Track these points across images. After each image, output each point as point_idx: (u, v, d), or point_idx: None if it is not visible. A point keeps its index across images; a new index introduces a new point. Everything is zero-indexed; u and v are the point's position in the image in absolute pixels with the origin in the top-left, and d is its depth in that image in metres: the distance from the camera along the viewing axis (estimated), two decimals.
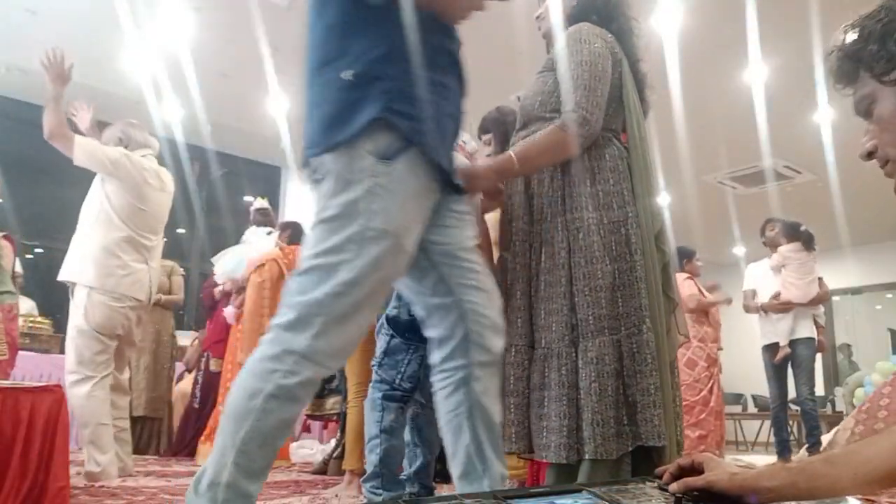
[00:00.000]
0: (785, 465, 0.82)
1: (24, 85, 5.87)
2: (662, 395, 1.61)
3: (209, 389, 4.74)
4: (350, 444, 2.89)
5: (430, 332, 1.51)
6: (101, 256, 3.12)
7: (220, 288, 4.80)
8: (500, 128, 2.54)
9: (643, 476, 1.07)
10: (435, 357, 1.49)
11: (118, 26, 4.59)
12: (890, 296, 11.05)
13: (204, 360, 4.86)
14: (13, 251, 4.07)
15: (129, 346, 3.38)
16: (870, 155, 0.90)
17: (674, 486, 0.90)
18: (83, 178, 3.33)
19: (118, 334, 3.18)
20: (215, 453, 1.27)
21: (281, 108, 5.88)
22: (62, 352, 5.57)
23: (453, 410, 1.45)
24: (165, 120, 5.77)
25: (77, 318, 3.10)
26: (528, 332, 1.75)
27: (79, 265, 3.14)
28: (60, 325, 6.19)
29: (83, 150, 3.12)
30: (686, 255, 5.38)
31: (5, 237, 4.00)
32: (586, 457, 1.59)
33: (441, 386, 1.47)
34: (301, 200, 7.79)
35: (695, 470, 0.93)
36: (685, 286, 5.14)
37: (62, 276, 3.18)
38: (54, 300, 5.48)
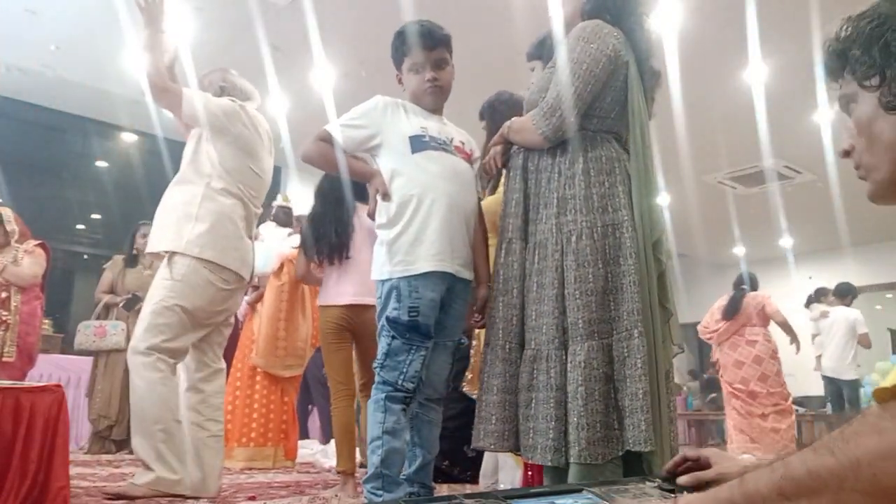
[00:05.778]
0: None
1: (24, 85, 5.87)
2: (651, 402, 1.60)
3: None
4: (337, 446, 2.88)
5: None
6: (214, 225, 2.59)
7: None
8: (493, 116, 2.57)
9: (644, 476, 1.06)
10: None
11: (118, 26, 4.58)
12: (890, 296, 11.05)
13: None
14: (47, 259, 4.10)
15: (227, 327, 2.83)
16: (846, 153, 0.88)
17: (684, 479, 0.90)
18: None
19: (215, 321, 2.67)
20: None
21: (281, 108, 5.87)
22: (62, 352, 5.60)
23: None
24: (165, 119, 5.77)
25: (165, 291, 2.52)
26: (520, 331, 1.75)
27: (176, 232, 2.56)
28: (61, 325, 6.19)
29: (191, 104, 2.65)
30: None
31: (40, 245, 4.04)
32: (571, 460, 1.59)
33: None
34: (301, 200, 7.78)
35: (701, 465, 0.93)
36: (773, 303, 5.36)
37: (156, 247, 2.58)
38: (55, 300, 5.48)
